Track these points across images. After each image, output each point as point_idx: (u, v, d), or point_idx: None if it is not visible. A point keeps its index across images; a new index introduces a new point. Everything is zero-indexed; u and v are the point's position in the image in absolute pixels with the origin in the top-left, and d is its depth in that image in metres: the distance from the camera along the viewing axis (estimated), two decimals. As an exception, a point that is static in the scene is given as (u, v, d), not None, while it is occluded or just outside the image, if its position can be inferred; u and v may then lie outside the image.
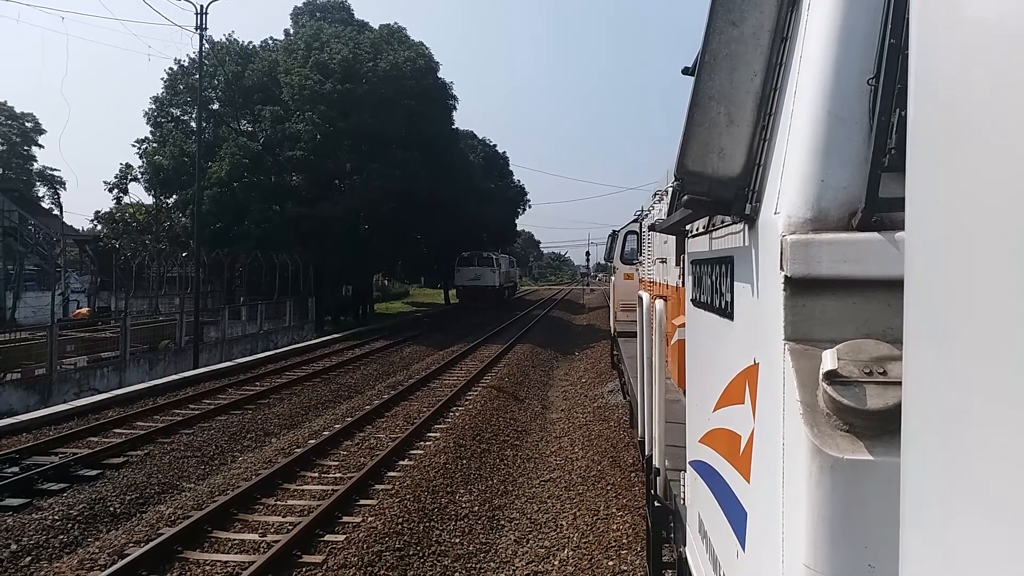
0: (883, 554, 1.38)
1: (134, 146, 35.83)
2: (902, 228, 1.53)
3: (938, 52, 0.79)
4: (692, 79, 2.10)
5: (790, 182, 1.68)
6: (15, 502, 8.54)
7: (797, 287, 1.60)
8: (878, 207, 1.55)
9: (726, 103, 1.91)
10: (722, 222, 2.35)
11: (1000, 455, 0.66)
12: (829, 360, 1.47)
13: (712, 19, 1.90)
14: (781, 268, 1.62)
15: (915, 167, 0.83)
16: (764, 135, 1.88)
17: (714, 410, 2.46)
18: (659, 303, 4.41)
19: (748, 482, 1.95)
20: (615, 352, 15.73)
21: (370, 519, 8.01)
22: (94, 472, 9.78)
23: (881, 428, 1.41)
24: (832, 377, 1.45)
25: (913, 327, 0.83)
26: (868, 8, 1.64)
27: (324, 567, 6.91)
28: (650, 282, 10.78)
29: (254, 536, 7.68)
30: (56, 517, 8.07)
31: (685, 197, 2.10)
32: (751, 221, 1.93)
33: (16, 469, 9.69)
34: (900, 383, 1.41)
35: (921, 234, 0.82)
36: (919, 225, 0.82)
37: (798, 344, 1.59)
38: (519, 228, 71.03)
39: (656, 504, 4.18)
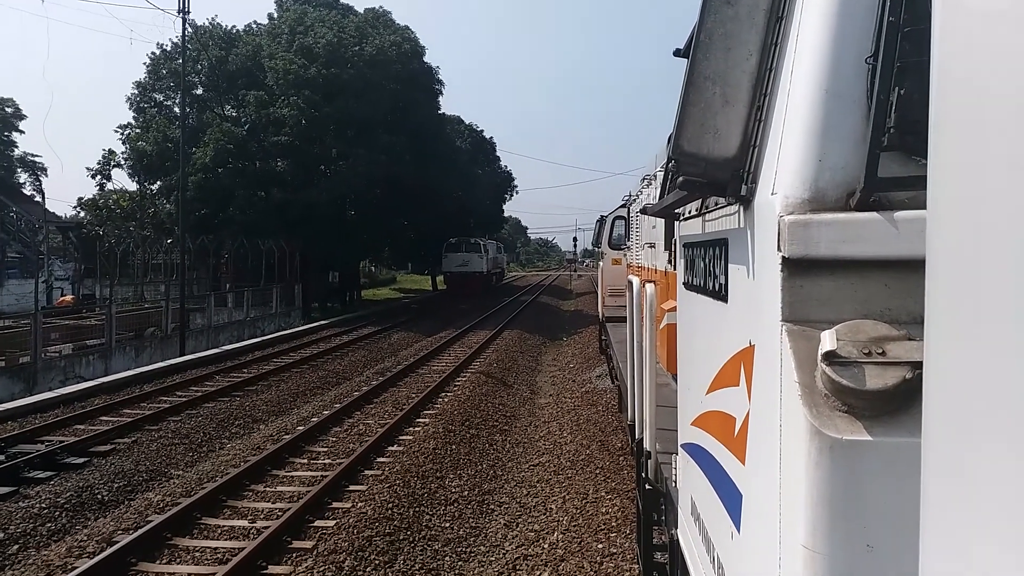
0: (882, 534, 1.38)
1: (117, 132, 35.47)
2: (901, 208, 1.54)
3: (962, 28, 0.77)
4: (683, 61, 2.08)
5: (787, 162, 1.67)
6: (1, 490, 8.47)
7: (795, 268, 1.59)
8: (877, 187, 1.54)
9: (721, 83, 1.89)
10: (716, 204, 2.33)
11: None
12: (828, 341, 1.46)
13: None
14: (779, 249, 1.60)
15: (938, 147, 0.81)
16: (760, 115, 1.86)
17: (707, 393, 2.45)
18: (649, 287, 4.41)
19: (743, 464, 1.95)
20: (603, 337, 15.77)
21: (360, 505, 8.01)
22: (81, 460, 9.71)
23: (880, 408, 1.41)
24: (831, 358, 1.44)
25: (935, 312, 0.81)
26: None
27: (314, 552, 6.90)
28: (638, 267, 10.78)
29: (244, 522, 7.66)
30: (43, 505, 8.02)
31: (680, 178, 2.09)
32: (747, 202, 1.92)
33: (2, 457, 9.62)
34: (899, 363, 1.41)
35: (944, 218, 0.80)
36: (942, 208, 0.80)
37: (796, 325, 1.58)
38: (506, 214, 70.97)
39: (647, 487, 4.20)
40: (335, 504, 8.13)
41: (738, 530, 1.98)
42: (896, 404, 1.40)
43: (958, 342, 0.77)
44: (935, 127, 0.82)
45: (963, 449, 0.75)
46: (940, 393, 0.80)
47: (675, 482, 3.41)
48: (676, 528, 3.26)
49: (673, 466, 3.47)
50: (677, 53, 3.23)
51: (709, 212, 2.49)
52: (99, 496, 8.50)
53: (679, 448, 3.14)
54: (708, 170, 1.94)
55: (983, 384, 0.72)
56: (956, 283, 0.77)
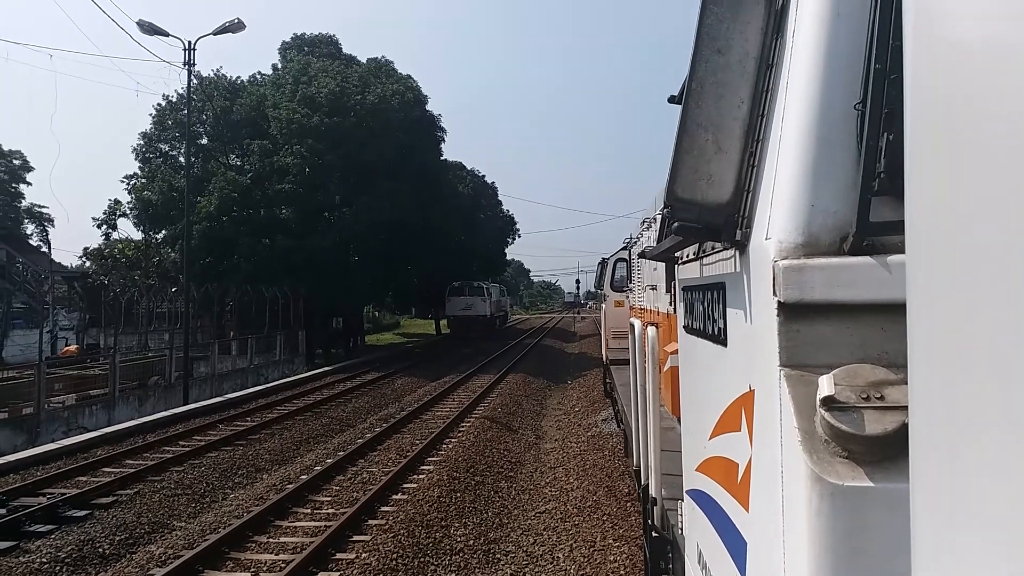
0: None
1: (123, 182, 35.83)
2: (894, 252, 1.54)
3: (934, 69, 0.79)
4: (678, 108, 2.11)
5: (780, 207, 1.68)
6: (2, 545, 8.38)
7: (791, 312, 1.59)
8: (869, 231, 1.55)
9: (714, 130, 1.91)
10: (712, 248, 2.35)
11: (1011, 475, 0.64)
12: (826, 386, 1.45)
13: (698, 47, 1.92)
14: (774, 293, 1.61)
15: (913, 186, 0.82)
16: (752, 161, 1.89)
17: (710, 438, 2.43)
18: (651, 330, 4.39)
19: (747, 511, 1.93)
20: (608, 380, 15.69)
21: (364, 555, 7.90)
22: (83, 512, 9.62)
23: (880, 454, 1.40)
24: (829, 403, 1.43)
25: (918, 348, 0.82)
26: (852, 34, 1.65)
27: (317, 605, 6.79)
28: (640, 309, 10.77)
29: (247, 575, 7.54)
30: (44, 560, 7.92)
31: (675, 224, 2.10)
32: (742, 247, 1.93)
33: (3, 511, 9.52)
34: (898, 408, 1.40)
35: (922, 253, 0.81)
36: (920, 244, 0.81)
37: (793, 370, 1.58)
38: (509, 257, 71.18)
39: (653, 534, 4.13)
40: (339, 555, 8.02)
41: (744, 579, 1.95)
42: (896, 449, 1.39)
43: (942, 383, 0.77)
44: (910, 168, 0.83)
45: (951, 490, 0.74)
46: (926, 435, 0.80)
47: (681, 529, 3.36)
48: (683, 576, 3.20)
49: (679, 512, 3.42)
50: (671, 100, 3.28)
51: (706, 256, 2.50)
52: (100, 550, 8.39)
53: (685, 494, 3.11)
54: (702, 216, 1.96)
55: (968, 425, 0.72)
56: (936, 324, 0.78)
